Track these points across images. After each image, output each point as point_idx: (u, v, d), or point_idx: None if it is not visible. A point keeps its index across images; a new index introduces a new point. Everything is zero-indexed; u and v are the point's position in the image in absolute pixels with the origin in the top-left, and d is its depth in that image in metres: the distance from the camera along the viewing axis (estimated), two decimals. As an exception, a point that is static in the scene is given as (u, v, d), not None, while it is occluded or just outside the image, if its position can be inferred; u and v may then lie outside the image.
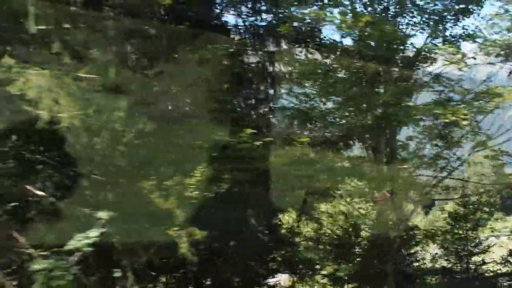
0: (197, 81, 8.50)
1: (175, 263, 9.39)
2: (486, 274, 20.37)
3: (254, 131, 8.20)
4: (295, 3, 13.17)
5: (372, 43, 12.08)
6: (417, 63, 11.94)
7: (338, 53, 13.15)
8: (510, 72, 12.20)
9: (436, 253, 22.84)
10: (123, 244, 6.98)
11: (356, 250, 12.86)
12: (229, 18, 15.29)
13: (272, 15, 13.59)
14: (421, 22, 12.26)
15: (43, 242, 7.55)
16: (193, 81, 8.46)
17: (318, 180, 12.27)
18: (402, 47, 12.05)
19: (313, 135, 13.91)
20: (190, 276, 10.50)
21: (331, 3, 13.11)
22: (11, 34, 7.36)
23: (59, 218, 7.62)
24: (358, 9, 12.89)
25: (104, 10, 8.07)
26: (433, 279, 21.23)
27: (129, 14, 8.48)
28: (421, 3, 12.20)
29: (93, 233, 5.89)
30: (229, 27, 13.37)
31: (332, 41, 13.51)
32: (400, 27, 12.32)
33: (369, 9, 12.77)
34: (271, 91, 13.51)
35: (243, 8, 13.57)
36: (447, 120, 10.01)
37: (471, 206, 20.65)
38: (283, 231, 13.56)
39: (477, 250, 21.06)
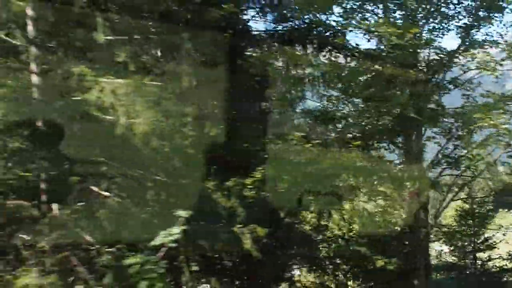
0: (245, 87, 9.03)
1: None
2: (493, 270, 21.10)
3: (304, 134, 8.71)
4: (319, 10, 13.79)
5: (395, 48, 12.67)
6: (443, 67, 12.48)
7: (361, 56, 13.75)
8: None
9: (442, 250, 23.54)
10: (192, 241, 7.44)
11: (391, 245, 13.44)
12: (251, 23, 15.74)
13: (297, 20, 14.14)
14: (444, 27, 12.85)
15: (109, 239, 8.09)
16: (242, 87, 8.98)
17: (344, 179, 12.77)
18: (427, 52, 12.62)
19: (337, 136, 14.51)
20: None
21: (355, 8, 13.76)
22: (81, 43, 7.81)
23: (124, 217, 8.11)
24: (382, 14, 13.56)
25: (161, 20, 8.52)
26: (438, 274, 21.95)
27: (180, 23, 8.97)
28: (447, 10, 12.75)
29: (175, 230, 6.37)
30: (256, 32, 13.90)
31: (355, 45, 14.14)
32: (425, 32, 12.85)
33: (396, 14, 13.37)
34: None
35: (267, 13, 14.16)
36: (485, 124, 10.48)
37: (477, 204, 21.41)
38: (307, 227, 14.11)
39: (483, 247, 21.83)
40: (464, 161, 12.78)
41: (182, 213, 6.54)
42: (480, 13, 12.24)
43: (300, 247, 13.46)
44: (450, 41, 13.23)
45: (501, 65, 11.98)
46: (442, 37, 12.86)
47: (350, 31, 13.82)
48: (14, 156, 7.64)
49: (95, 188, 8.24)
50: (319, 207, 11.80)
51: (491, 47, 12.13)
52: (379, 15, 13.67)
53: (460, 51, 12.34)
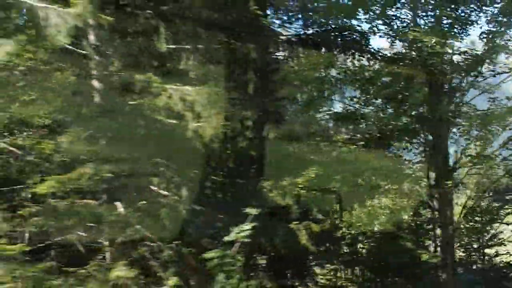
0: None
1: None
2: (501, 265, 21.68)
3: (347, 136, 9.25)
4: (345, 15, 14.34)
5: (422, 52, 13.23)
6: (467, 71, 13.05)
7: (385, 59, 14.31)
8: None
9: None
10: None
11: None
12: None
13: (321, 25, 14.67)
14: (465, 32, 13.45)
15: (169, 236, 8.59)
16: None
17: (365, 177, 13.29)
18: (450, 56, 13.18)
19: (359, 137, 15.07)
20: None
21: (379, 12, 14.31)
22: (145, 51, 8.29)
23: (181, 215, 8.63)
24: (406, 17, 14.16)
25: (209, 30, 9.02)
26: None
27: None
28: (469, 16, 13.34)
29: (246, 227, 6.89)
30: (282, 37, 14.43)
31: (378, 49, 14.70)
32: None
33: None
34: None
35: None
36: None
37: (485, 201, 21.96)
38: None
39: (491, 243, 22.39)
40: (486, 161, 13.34)
41: (252, 211, 7.07)
42: (504, 19, 12.80)
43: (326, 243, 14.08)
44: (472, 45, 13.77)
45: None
46: (462, 42, 13.42)
47: (376, 34, 14.33)
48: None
49: (154, 188, 8.74)
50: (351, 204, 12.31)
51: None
52: (403, 20, 14.18)
53: (484, 56, 12.89)
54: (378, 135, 14.81)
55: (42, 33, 6.33)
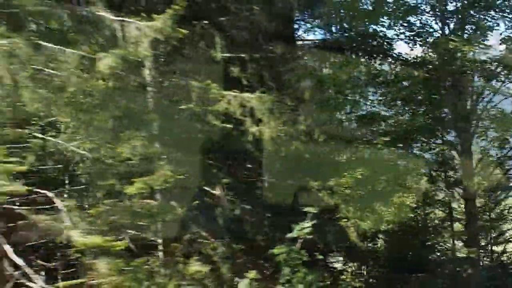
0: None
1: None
2: (508, 261, 22.29)
3: (388, 139, 9.81)
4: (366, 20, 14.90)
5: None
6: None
7: (407, 63, 14.88)
8: None
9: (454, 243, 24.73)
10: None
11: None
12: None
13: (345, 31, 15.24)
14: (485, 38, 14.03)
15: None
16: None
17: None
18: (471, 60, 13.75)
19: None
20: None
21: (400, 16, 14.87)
22: (199, 60, 8.80)
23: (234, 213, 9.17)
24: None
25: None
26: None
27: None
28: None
29: (307, 224, 7.41)
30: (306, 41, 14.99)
31: (398, 53, 15.28)
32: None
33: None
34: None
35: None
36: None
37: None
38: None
39: (499, 240, 23.00)
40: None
41: (311, 209, 7.59)
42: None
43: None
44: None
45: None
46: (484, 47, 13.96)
47: (399, 39, 14.92)
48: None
49: (207, 188, 9.26)
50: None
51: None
52: (424, 25, 14.76)
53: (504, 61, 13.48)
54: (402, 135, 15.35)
55: (123, 47, 6.81)
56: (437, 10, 14.71)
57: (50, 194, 7.30)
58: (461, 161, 14.00)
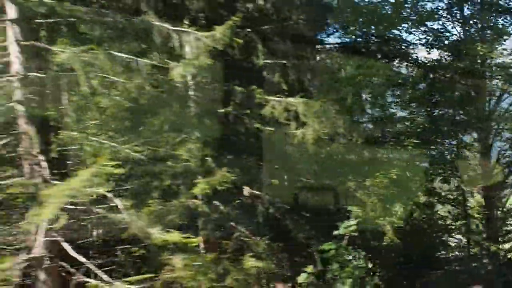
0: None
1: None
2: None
3: (418, 141, 10.29)
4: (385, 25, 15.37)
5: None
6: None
7: (425, 67, 15.40)
8: None
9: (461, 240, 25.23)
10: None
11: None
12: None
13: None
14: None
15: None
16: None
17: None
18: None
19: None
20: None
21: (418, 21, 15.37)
22: (244, 66, 9.23)
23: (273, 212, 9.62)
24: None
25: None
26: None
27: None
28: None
29: (352, 222, 7.88)
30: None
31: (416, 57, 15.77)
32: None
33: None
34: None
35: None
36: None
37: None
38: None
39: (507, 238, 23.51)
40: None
41: (354, 208, 8.08)
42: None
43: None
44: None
45: None
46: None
47: (417, 43, 15.43)
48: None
49: (247, 188, 9.70)
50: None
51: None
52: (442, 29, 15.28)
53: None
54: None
55: (183, 55, 7.25)
56: (455, 14, 15.24)
57: (108, 194, 7.69)
58: (480, 161, 14.51)
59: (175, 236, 6.13)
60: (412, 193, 12.23)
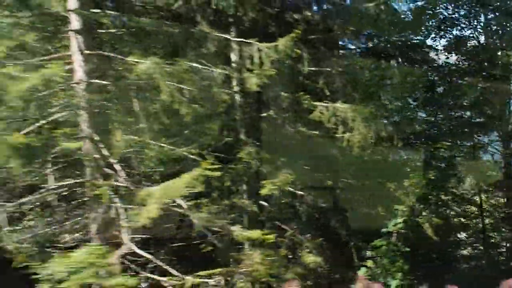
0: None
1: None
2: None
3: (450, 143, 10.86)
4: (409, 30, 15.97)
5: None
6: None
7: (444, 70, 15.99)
8: None
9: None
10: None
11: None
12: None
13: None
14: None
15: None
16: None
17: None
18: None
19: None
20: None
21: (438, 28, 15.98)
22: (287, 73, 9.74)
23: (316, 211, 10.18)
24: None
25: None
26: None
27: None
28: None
29: (399, 220, 8.48)
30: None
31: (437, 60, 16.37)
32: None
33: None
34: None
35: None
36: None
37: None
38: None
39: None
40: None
41: (401, 207, 8.67)
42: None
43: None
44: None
45: None
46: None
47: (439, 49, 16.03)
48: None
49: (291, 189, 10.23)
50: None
51: None
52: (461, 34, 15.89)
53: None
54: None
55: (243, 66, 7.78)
56: (474, 20, 15.84)
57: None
58: (501, 162, 15.15)
59: (256, 233, 6.66)
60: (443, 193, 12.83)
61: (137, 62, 7.23)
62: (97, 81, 8.10)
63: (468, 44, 16.08)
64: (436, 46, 16.05)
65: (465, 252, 16.51)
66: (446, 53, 16.26)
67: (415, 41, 15.75)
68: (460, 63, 16.27)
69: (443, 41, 16.17)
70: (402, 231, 8.47)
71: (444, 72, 16.03)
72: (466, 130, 15.86)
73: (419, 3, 15.94)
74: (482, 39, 15.98)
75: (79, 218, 8.67)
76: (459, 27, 16.01)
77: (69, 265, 5.50)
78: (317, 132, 9.56)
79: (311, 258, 7.88)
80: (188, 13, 9.05)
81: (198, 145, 8.57)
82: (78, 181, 8.21)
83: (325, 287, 8.61)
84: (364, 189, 10.12)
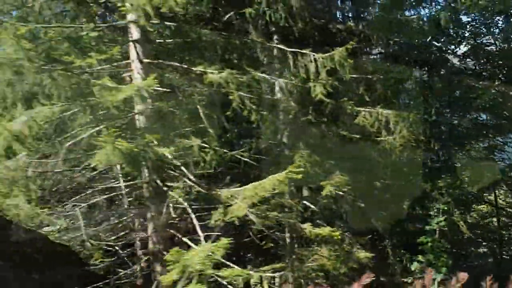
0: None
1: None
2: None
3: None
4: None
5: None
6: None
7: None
8: None
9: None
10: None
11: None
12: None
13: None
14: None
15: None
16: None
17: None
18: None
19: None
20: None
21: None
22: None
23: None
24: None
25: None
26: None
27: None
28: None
29: (441, 218, 9.09)
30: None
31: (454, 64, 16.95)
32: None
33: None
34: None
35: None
36: None
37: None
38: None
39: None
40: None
41: (442, 206, 9.28)
42: None
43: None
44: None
45: None
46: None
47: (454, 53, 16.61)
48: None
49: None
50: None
51: None
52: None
53: None
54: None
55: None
56: (491, 25, 16.45)
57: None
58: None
59: (325, 230, 7.23)
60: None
61: (204, 71, 7.76)
62: (159, 88, 8.63)
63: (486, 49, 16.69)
64: (456, 51, 16.52)
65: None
66: (464, 58, 16.88)
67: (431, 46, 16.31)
68: (477, 67, 16.87)
69: (463, 47, 16.75)
70: (445, 228, 9.10)
71: (462, 76, 16.64)
72: (484, 132, 16.57)
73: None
74: (499, 44, 16.57)
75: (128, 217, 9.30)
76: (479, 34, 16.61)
77: (193, 259, 5.96)
78: (358, 136, 10.14)
79: (363, 254, 8.42)
80: (240, 24, 9.60)
81: (248, 148, 9.19)
82: (142, 181, 8.76)
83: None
84: (402, 189, 10.70)
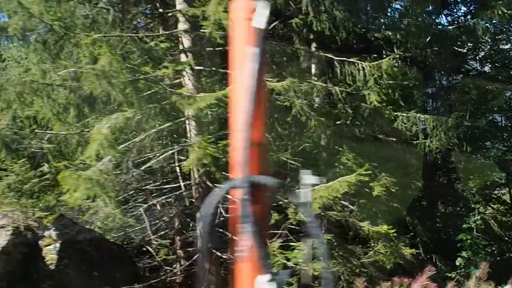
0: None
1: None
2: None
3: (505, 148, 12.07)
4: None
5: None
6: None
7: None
8: None
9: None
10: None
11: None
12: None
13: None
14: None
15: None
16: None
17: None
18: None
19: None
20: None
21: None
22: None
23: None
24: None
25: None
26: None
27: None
28: None
29: (477, 217, 9.63)
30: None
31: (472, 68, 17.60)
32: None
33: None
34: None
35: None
36: None
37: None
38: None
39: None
40: None
41: (478, 206, 9.83)
42: None
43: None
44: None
45: None
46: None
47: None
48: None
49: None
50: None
51: None
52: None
53: None
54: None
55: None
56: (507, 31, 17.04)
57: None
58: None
59: (383, 228, 7.75)
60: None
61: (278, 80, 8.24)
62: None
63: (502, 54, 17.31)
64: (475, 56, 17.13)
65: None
66: (481, 62, 17.49)
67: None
68: (493, 71, 17.48)
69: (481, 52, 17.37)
70: (482, 226, 9.65)
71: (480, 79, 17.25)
72: (498, 134, 17.15)
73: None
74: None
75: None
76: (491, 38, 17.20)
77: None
78: (395, 139, 10.66)
79: (408, 251, 8.94)
80: (285, 33, 10.11)
81: (294, 152, 9.67)
82: (187, 183, 9.25)
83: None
84: (438, 190, 11.25)
